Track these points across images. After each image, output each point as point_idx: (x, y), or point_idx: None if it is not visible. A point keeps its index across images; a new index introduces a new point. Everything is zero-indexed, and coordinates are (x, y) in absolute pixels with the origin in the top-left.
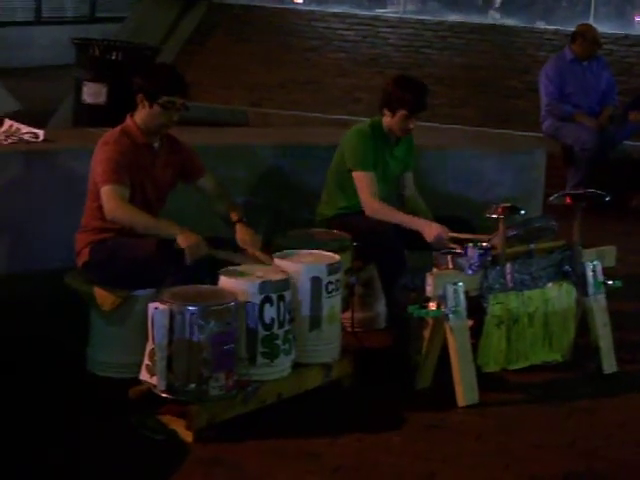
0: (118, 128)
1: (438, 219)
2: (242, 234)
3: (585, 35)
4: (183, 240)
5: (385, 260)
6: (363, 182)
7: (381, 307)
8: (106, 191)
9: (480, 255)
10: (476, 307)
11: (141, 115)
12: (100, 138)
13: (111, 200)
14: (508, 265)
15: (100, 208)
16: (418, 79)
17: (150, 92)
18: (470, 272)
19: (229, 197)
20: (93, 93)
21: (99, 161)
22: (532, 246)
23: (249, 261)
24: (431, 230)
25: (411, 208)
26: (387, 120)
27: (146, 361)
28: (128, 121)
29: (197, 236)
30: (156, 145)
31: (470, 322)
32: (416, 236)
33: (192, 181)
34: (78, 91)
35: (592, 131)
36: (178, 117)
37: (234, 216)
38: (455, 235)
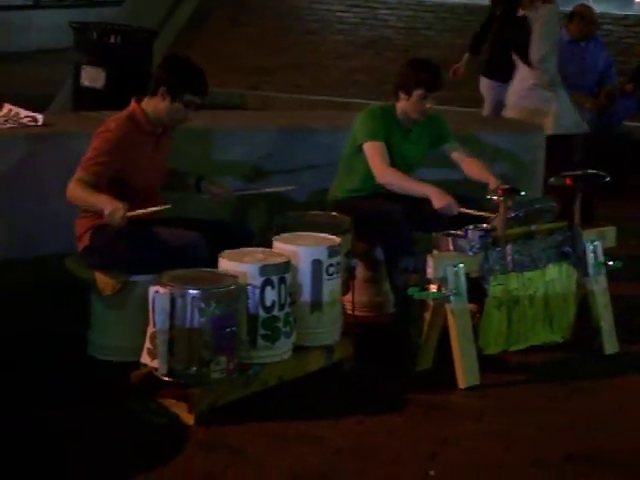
0: (124, 115)
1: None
2: (212, 186)
3: (583, 15)
4: (106, 208)
5: (392, 242)
6: (373, 151)
7: (389, 291)
8: (75, 175)
9: (480, 237)
10: (479, 290)
11: (156, 106)
12: (98, 122)
13: (71, 181)
14: (508, 247)
15: (100, 192)
16: (430, 60)
17: (176, 88)
18: (471, 254)
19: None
20: (92, 77)
21: (92, 148)
22: (532, 227)
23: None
24: (441, 198)
25: (474, 171)
26: (403, 104)
27: (147, 345)
28: (135, 107)
29: (117, 203)
30: (159, 131)
31: (473, 306)
32: (424, 217)
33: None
34: (77, 75)
35: (590, 112)
36: (192, 116)
37: (192, 180)
38: (464, 210)
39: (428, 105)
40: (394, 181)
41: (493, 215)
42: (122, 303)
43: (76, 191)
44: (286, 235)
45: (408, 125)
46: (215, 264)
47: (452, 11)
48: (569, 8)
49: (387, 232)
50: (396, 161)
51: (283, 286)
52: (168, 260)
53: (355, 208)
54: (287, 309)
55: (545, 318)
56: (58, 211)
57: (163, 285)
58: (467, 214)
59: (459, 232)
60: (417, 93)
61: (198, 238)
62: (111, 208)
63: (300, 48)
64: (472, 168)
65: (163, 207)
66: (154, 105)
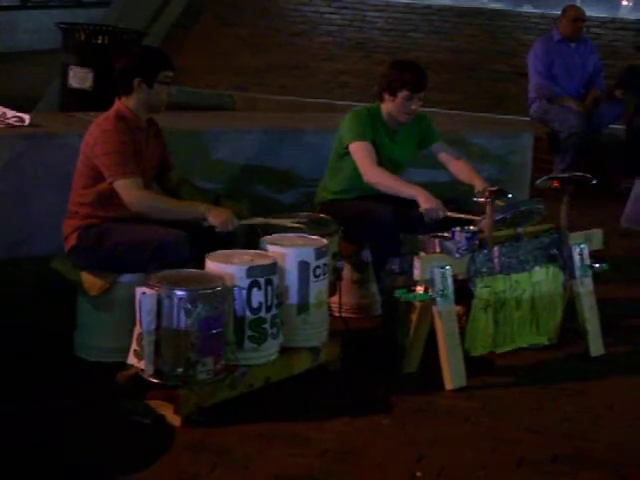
0: (112, 113)
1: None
2: (230, 208)
3: (566, 12)
4: (214, 217)
5: (381, 244)
6: (360, 151)
7: (376, 293)
8: (121, 185)
9: (467, 239)
10: (467, 293)
11: (138, 97)
12: (87, 122)
13: (131, 192)
14: (495, 248)
15: (90, 193)
16: (414, 61)
17: (149, 73)
18: (457, 256)
19: (196, 186)
20: (79, 78)
21: (104, 153)
22: (519, 229)
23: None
24: (428, 200)
25: (461, 172)
26: (388, 106)
27: (134, 346)
28: (120, 106)
29: (227, 211)
30: (145, 127)
31: (460, 308)
32: (411, 219)
33: (165, 172)
34: (64, 76)
35: (578, 114)
36: (174, 91)
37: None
38: (450, 213)
39: (414, 106)
40: (381, 181)
41: (480, 218)
42: (109, 304)
43: (154, 200)
44: (273, 236)
45: (394, 127)
46: (199, 264)
47: (439, 13)
48: (558, 12)
49: (376, 234)
50: (383, 163)
51: (270, 287)
52: (152, 258)
53: (343, 210)
54: (274, 310)
55: (532, 320)
56: (45, 211)
57: (150, 286)
58: (455, 217)
59: (446, 234)
60: (402, 94)
61: (182, 237)
62: (220, 218)
63: (288, 49)
64: (459, 169)
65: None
66: (136, 99)
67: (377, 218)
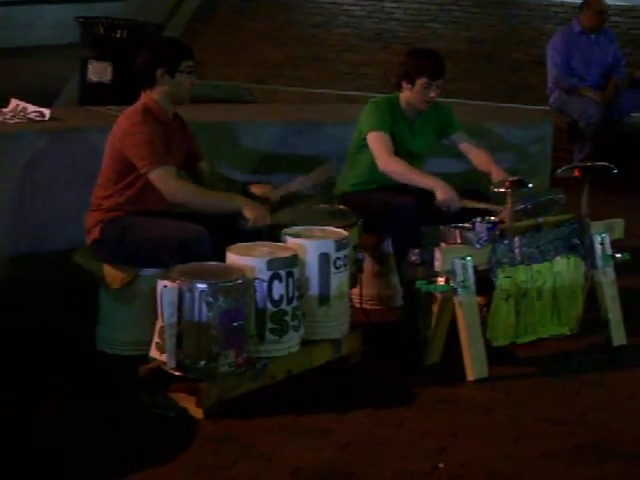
0: (139, 106)
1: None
2: (256, 188)
3: (591, 4)
4: (249, 211)
5: (402, 235)
6: (377, 141)
7: (397, 284)
8: (159, 174)
9: (488, 229)
10: (488, 283)
11: (162, 90)
12: (107, 116)
13: (168, 182)
14: (516, 239)
15: (117, 188)
16: (432, 49)
17: (171, 63)
18: (478, 246)
19: (224, 176)
20: (98, 72)
21: (134, 145)
22: (540, 220)
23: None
24: (444, 190)
25: (480, 163)
26: (406, 94)
27: (156, 339)
28: (146, 99)
29: (262, 206)
30: (172, 121)
31: (481, 298)
32: (431, 210)
33: (194, 163)
34: (83, 70)
35: (597, 105)
36: (196, 81)
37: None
38: (467, 202)
39: (432, 94)
40: (396, 169)
41: (498, 207)
42: (130, 297)
43: (195, 190)
44: (294, 229)
45: (412, 116)
46: (221, 258)
47: (458, 3)
48: (578, 0)
49: (396, 225)
50: (401, 154)
51: (291, 280)
52: (174, 254)
53: (363, 201)
54: (295, 303)
55: (553, 310)
56: (66, 205)
57: (171, 279)
58: (472, 207)
59: (467, 225)
60: (420, 82)
61: (203, 232)
62: (254, 214)
63: (306, 41)
64: (480, 159)
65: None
66: (161, 91)
67: (397, 209)
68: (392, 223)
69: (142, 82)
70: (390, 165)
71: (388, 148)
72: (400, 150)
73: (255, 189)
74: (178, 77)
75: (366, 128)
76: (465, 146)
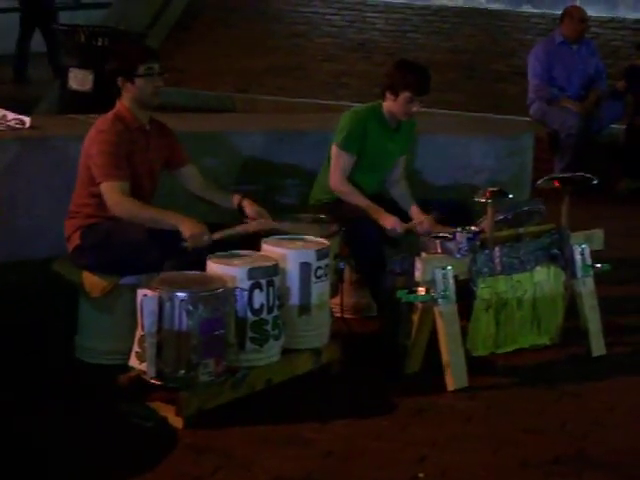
0: (111, 114)
1: (429, 203)
2: (254, 207)
3: (572, 14)
4: (186, 230)
5: (360, 253)
6: (339, 160)
7: None
8: (106, 187)
9: (469, 239)
10: (466, 290)
11: (128, 96)
12: (87, 125)
13: (112, 196)
14: (497, 249)
15: (91, 194)
16: (420, 63)
17: (126, 69)
18: (459, 256)
19: (216, 184)
20: (79, 80)
21: (97, 153)
22: (520, 230)
23: (263, 225)
24: (387, 220)
25: (396, 192)
26: (389, 104)
27: (135, 348)
28: (119, 106)
29: (200, 225)
30: (147, 128)
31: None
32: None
33: (177, 167)
34: (64, 78)
35: (577, 116)
36: (162, 83)
37: (236, 197)
38: (407, 226)
39: (414, 109)
40: (345, 196)
41: (448, 231)
42: (110, 306)
43: (132, 207)
44: (274, 238)
45: (393, 124)
46: (201, 266)
47: (439, 14)
48: (558, 11)
49: (357, 242)
50: (379, 159)
51: (271, 289)
52: (158, 260)
53: (337, 212)
54: (275, 312)
55: (533, 320)
56: (45, 213)
57: (151, 288)
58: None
59: (447, 235)
60: (404, 95)
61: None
62: (192, 231)
63: (288, 51)
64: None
65: (253, 227)
66: (127, 97)
67: (362, 239)
68: (357, 251)
69: (113, 91)
70: (340, 190)
71: (345, 171)
72: (381, 159)
73: (251, 207)
74: (138, 82)
75: (337, 137)
76: (400, 172)
